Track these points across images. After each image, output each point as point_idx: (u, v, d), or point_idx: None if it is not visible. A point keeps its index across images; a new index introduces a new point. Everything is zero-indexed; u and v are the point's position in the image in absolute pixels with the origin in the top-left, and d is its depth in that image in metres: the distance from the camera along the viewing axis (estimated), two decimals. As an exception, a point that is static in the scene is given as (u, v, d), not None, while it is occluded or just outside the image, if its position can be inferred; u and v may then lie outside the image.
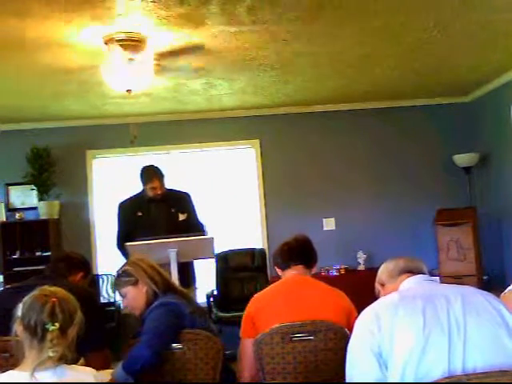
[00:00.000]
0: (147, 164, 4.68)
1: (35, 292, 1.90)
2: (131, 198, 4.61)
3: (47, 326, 1.81)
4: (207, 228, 4.49)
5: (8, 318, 2.70)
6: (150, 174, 4.45)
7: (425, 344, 1.65)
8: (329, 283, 2.80)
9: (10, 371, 1.85)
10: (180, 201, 4.55)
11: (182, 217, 4.46)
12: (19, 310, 1.87)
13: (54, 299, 1.86)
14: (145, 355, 2.38)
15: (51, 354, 1.80)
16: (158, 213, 4.43)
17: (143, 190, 4.49)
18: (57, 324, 1.82)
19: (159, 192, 4.41)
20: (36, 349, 1.82)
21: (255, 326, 2.60)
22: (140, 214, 4.45)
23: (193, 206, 4.60)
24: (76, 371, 1.89)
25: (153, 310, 2.58)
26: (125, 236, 4.33)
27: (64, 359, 1.85)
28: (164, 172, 4.51)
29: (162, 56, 4.31)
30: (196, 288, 4.66)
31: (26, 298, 1.89)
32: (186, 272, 4.32)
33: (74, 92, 5.27)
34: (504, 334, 1.69)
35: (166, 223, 4.36)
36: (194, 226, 4.38)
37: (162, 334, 2.48)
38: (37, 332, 1.81)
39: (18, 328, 1.85)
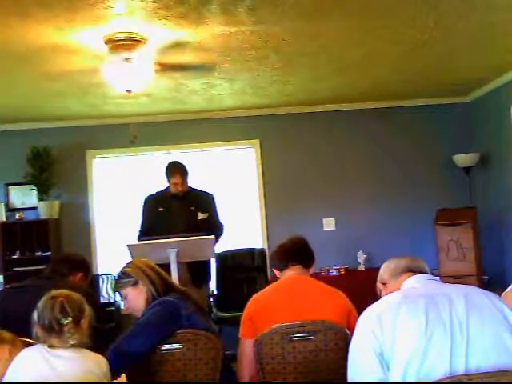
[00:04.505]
0: (173, 159, 4.70)
1: (44, 297, 2.12)
2: (157, 192, 4.64)
3: (62, 321, 2.02)
4: (225, 229, 4.56)
5: (8, 317, 2.70)
6: (173, 169, 4.48)
7: (427, 344, 1.65)
8: (329, 283, 2.79)
9: (28, 347, 2.07)
10: (201, 200, 4.55)
11: (201, 216, 4.46)
12: (34, 315, 2.08)
13: (62, 298, 2.08)
14: (111, 356, 2.31)
15: (72, 342, 2.01)
16: (178, 209, 4.44)
17: (168, 186, 4.52)
18: (69, 318, 2.03)
19: (180, 188, 4.43)
20: (57, 339, 2.02)
21: (255, 327, 2.60)
22: (161, 209, 4.48)
23: (215, 207, 4.61)
24: (88, 353, 2.07)
25: (151, 308, 2.58)
26: (147, 229, 4.40)
27: (82, 344, 2.05)
28: (188, 169, 4.52)
29: (172, 68, 4.32)
30: (210, 288, 4.67)
31: (38, 304, 2.10)
32: (202, 270, 4.35)
33: (74, 92, 5.26)
34: (507, 335, 1.69)
35: (185, 220, 4.38)
36: (212, 226, 4.40)
37: (140, 333, 2.47)
38: (54, 328, 2.02)
39: (37, 330, 2.06)
